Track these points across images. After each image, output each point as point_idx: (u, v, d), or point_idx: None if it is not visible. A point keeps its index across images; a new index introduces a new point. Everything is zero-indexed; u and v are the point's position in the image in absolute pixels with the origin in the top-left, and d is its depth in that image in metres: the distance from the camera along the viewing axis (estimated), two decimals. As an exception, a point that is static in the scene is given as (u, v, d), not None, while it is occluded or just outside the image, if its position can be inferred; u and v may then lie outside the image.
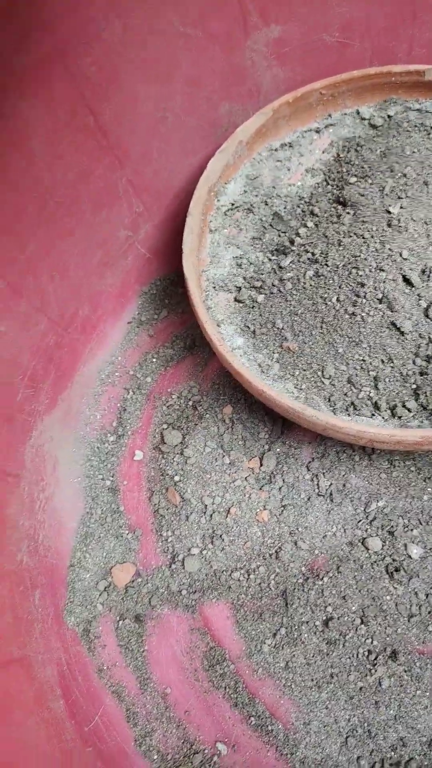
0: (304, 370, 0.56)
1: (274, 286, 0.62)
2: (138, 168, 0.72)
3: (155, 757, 0.54)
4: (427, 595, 0.56)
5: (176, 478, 0.65)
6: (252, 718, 0.55)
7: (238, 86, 0.72)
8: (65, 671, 0.56)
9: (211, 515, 0.62)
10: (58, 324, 0.70)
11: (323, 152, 0.73)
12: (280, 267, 0.63)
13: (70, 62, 0.61)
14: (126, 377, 0.74)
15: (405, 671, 0.54)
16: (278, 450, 0.65)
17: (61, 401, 0.70)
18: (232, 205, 0.71)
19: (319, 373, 0.55)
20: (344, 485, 0.62)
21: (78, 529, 0.65)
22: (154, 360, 0.74)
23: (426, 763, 0.51)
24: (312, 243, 0.62)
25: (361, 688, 0.54)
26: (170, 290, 0.77)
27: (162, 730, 0.56)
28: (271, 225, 0.68)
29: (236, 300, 0.63)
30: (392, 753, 0.52)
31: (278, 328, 0.59)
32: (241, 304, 0.63)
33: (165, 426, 0.69)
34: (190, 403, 0.70)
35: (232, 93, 0.73)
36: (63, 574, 0.63)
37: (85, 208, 0.69)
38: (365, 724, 0.53)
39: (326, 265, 0.59)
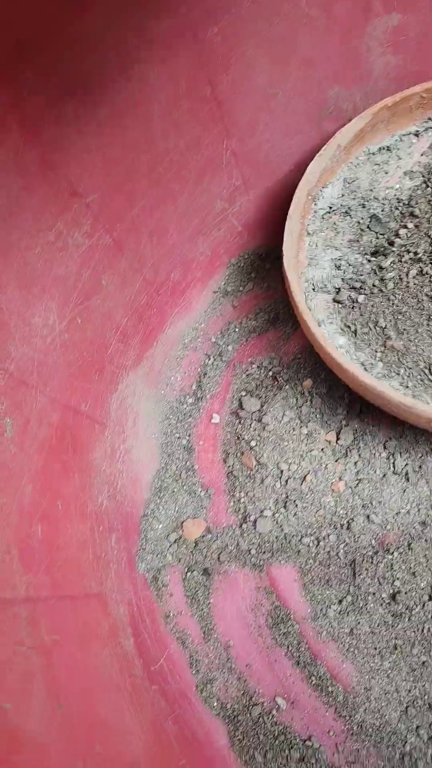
0: (410, 368, 0.56)
1: (375, 286, 0.62)
2: (243, 140, 0.73)
3: (215, 704, 0.56)
4: None
5: (252, 443, 0.66)
6: (313, 678, 0.56)
7: (350, 70, 0.73)
8: (135, 613, 0.58)
9: (286, 481, 0.63)
10: (150, 285, 0.72)
11: (422, 155, 0.73)
12: (381, 267, 0.63)
13: (199, 32, 0.62)
14: (208, 344, 0.75)
15: (470, 652, 0.54)
16: (356, 426, 0.65)
17: (145, 359, 0.72)
18: (330, 208, 0.71)
19: (426, 370, 0.55)
20: (420, 466, 0.62)
21: (153, 482, 0.67)
22: (237, 330, 0.75)
23: None
24: (414, 243, 0.62)
25: (424, 663, 0.55)
26: (257, 264, 0.78)
27: (223, 680, 0.57)
28: (368, 227, 0.69)
29: (335, 301, 0.63)
30: (452, 728, 0.52)
31: (381, 328, 0.59)
32: (340, 305, 0.63)
33: (243, 393, 0.70)
34: (270, 373, 0.71)
35: (344, 77, 0.74)
36: (137, 523, 0.64)
37: (190, 176, 0.71)
38: (426, 697, 0.53)
39: (431, 263, 0.59)
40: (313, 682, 0.55)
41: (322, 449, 0.65)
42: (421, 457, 0.63)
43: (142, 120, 0.64)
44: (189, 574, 0.62)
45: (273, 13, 0.65)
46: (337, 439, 0.65)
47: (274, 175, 0.79)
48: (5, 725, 0.40)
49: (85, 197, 0.61)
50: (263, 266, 0.78)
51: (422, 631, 0.56)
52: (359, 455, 0.64)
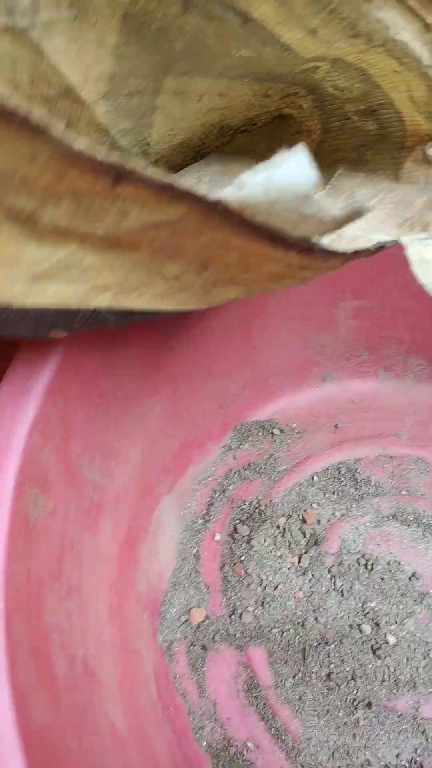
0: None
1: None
2: (256, 356, 1.10)
3: (204, 744, 0.78)
4: (394, 669, 0.84)
5: (242, 558, 0.95)
6: (272, 729, 0.80)
7: (325, 327, 1.14)
8: (156, 669, 0.81)
9: (264, 587, 0.91)
10: (186, 437, 1.03)
11: None
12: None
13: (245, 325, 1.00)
14: (215, 483, 1.05)
15: (374, 717, 0.81)
16: (312, 554, 0.95)
17: (175, 489, 1.01)
18: None
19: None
20: (351, 587, 0.92)
21: (170, 578, 0.93)
22: (236, 475, 1.06)
23: (381, 780, 0.76)
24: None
25: (345, 723, 0.80)
26: (253, 431, 1.12)
27: (210, 727, 0.80)
28: None
29: None
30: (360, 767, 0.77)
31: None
32: None
33: (238, 521, 1.00)
34: (257, 510, 1.01)
35: (320, 330, 1.14)
36: (158, 607, 0.89)
37: (222, 373, 1.06)
38: (345, 747, 0.79)
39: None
40: (273, 732, 0.79)
41: (289, 568, 0.94)
42: (351, 581, 0.93)
43: (203, 347, 0.99)
44: (191, 647, 0.86)
45: (288, 293, 1.05)
46: (299, 561, 0.95)
47: (271, 376, 1.16)
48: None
49: (163, 387, 0.94)
50: (257, 433, 1.12)
51: (345, 700, 0.82)
52: (312, 575, 0.93)
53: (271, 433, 1.13)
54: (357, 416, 1.17)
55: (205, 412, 1.06)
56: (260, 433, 1.13)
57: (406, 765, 0.77)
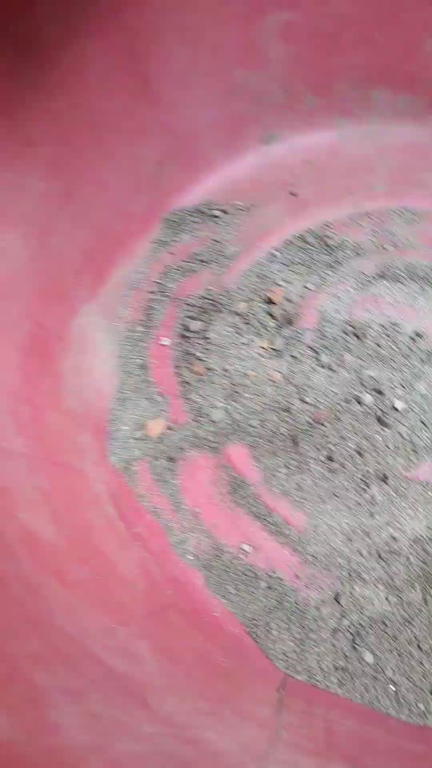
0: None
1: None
2: (168, 112, 0.90)
3: (190, 557, 0.67)
4: (409, 436, 0.72)
5: (199, 355, 0.80)
6: (271, 526, 0.68)
7: (250, 56, 0.92)
8: (113, 491, 0.68)
9: (231, 378, 0.77)
10: (98, 232, 0.85)
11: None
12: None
13: (127, 19, 0.79)
14: (150, 284, 0.89)
15: (393, 491, 0.70)
16: (286, 334, 0.81)
17: (98, 296, 0.85)
18: None
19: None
20: (342, 359, 0.78)
21: (115, 395, 0.78)
22: (176, 271, 0.89)
23: (412, 552, 0.66)
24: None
25: (358, 503, 0.69)
26: (188, 219, 0.94)
27: (195, 539, 0.68)
28: None
29: None
30: (385, 546, 0.66)
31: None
32: None
33: (188, 318, 0.84)
34: (209, 301, 0.85)
35: (245, 61, 0.93)
36: (104, 427, 0.75)
37: (124, 140, 0.86)
38: (363, 527, 0.68)
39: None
40: (271, 530, 0.68)
41: (259, 353, 0.80)
42: (339, 353, 0.79)
43: (83, 85, 0.79)
44: (155, 461, 0.73)
45: (186, 4, 0.84)
46: (271, 344, 0.80)
47: (196, 143, 0.96)
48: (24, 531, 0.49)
49: (37, 146, 0.75)
50: (194, 220, 0.94)
51: (355, 479, 0.70)
52: (291, 356, 0.79)
53: (212, 216, 0.95)
54: (317, 178, 0.99)
55: (115, 201, 0.87)
56: (197, 220, 0.95)
57: (440, 531, 0.66)
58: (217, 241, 0.93)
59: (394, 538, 0.67)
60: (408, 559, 0.66)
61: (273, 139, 1.02)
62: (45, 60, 0.75)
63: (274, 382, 0.77)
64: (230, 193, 0.98)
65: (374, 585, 0.65)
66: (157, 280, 0.90)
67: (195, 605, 0.62)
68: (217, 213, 0.95)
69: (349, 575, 0.65)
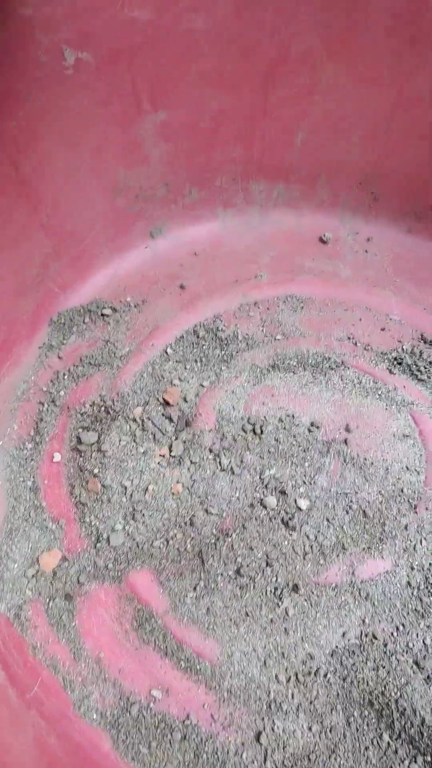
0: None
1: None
2: (50, 214, 0.86)
3: (94, 716, 0.58)
4: (315, 536, 0.70)
5: (95, 471, 0.74)
6: (181, 662, 0.62)
7: (132, 156, 0.91)
8: (1, 649, 0.59)
9: (131, 495, 0.71)
10: (-24, 345, 0.78)
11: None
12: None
13: (3, 126, 0.75)
14: (40, 393, 0.82)
15: (305, 600, 0.66)
16: (184, 438, 0.77)
17: (-21, 415, 0.76)
18: None
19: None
20: (242, 460, 0.75)
21: (2, 526, 0.70)
22: (66, 377, 0.83)
23: (330, 669, 0.62)
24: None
25: (271, 620, 0.64)
26: (77, 319, 0.89)
27: (98, 692, 0.60)
28: None
29: None
30: (303, 666, 0.62)
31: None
32: None
33: (81, 429, 0.78)
34: (103, 408, 0.80)
35: (127, 161, 0.91)
36: (-10, 567, 0.66)
37: (5, 244, 0.81)
38: (278, 648, 0.63)
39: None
40: (182, 666, 0.62)
41: (158, 462, 0.75)
42: (240, 454, 0.76)
43: None
44: (51, 602, 0.65)
45: (63, 109, 0.81)
46: (170, 451, 0.76)
47: (81, 241, 0.92)
48: None
49: None
50: (82, 321, 0.89)
51: (265, 593, 0.66)
52: (191, 461, 0.75)
53: (101, 315, 0.91)
54: (203, 269, 0.98)
55: (2, 300, 0.81)
56: (86, 320, 0.90)
57: (357, 642, 0.63)
58: (109, 341, 0.88)
59: (311, 656, 0.63)
60: (326, 677, 0.61)
61: (159, 233, 1.00)
62: None
63: (176, 494, 0.72)
64: (119, 290, 0.94)
65: (295, 714, 0.59)
66: (47, 389, 0.83)
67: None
68: (107, 312, 0.91)
69: (269, 707, 0.60)
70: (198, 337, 0.88)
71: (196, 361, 0.86)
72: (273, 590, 0.66)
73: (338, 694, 0.60)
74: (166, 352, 0.86)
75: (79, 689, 0.60)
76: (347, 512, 0.72)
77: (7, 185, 0.79)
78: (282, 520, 0.71)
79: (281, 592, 0.66)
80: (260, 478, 0.74)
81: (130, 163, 0.92)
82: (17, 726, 0.52)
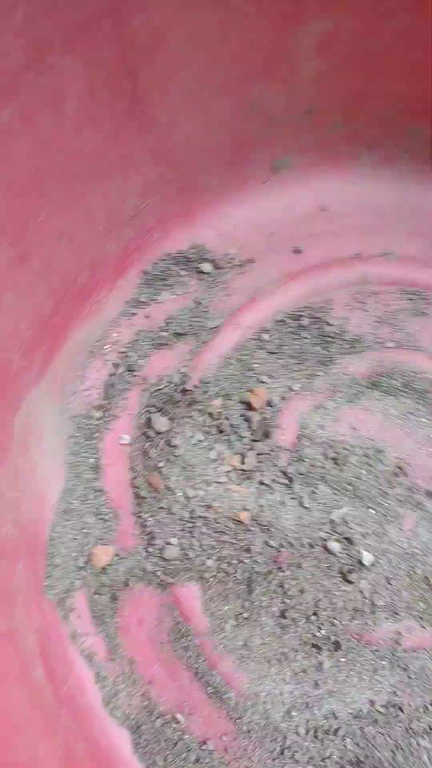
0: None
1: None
2: (163, 136, 0.69)
3: (119, 715, 0.61)
4: (370, 595, 0.66)
5: (160, 464, 0.68)
6: (209, 688, 0.63)
7: (277, 70, 0.70)
8: (43, 638, 0.60)
9: (192, 509, 0.67)
10: (57, 292, 0.68)
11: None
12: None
13: (121, 18, 0.56)
14: (114, 354, 0.74)
15: (343, 656, 0.64)
16: (259, 451, 0.70)
17: (49, 370, 0.70)
18: None
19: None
20: (314, 492, 0.69)
21: (58, 504, 0.67)
22: (147, 340, 0.74)
23: (350, 732, 0.62)
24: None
25: (305, 669, 0.64)
26: (173, 270, 0.76)
27: (127, 692, 0.62)
28: None
29: None
30: (324, 722, 0.62)
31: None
32: None
33: (153, 409, 0.71)
34: (180, 390, 0.72)
35: (270, 76, 0.71)
36: (43, 545, 0.65)
37: (102, 174, 0.66)
38: (305, 697, 0.63)
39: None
40: (209, 691, 0.63)
41: (228, 473, 0.69)
42: (314, 483, 0.69)
43: (54, 116, 0.58)
44: (96, 596, 0.65)
45: (203, 5, 0.60)
46: (243, 462, 0.69)
47: (192, 170, 0.75)
48: None
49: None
50: (178, 272, 0.77)
51: (304, 641, 0.64)
52: (260, 482, 0.69)
53: (197, 269, 0.78)
54: (327, 231, 0.81)
55: (84, 241, 0.69)
56: (182, 272, 0.77)
57: (382, 711, 0.63)
58: (201, 304, 0.76)
59: (334, 714, 0.63)
60: (344, 740, 0.62)
61: (283, 166, 0.81)
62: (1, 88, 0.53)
63: (239, 518, 0.67)
64: (224, 239, 0.79)
65: (304, 767, 0.62)
66: (125, 350, 0.74)
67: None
68: (205, 266, 0.77)
69: (282, 753, 0.62)
70: (300, 326, 0.76)
71: (292, 356, 0.75)
72: (313, 641, 0.65)
73: (350, 761, 0.62)
74: (261, 339, 0.75)
75: (110, 686, 0.62)
76: (409, 576, 0.67)
77: (120, 101, 0.62)
78: (340, 570, 0.67)
79: (322, 644, 0.64)
80: (329, 518, 0.68)
81: (275, 78, 0.71)
82: (49, 733, 0.54)
